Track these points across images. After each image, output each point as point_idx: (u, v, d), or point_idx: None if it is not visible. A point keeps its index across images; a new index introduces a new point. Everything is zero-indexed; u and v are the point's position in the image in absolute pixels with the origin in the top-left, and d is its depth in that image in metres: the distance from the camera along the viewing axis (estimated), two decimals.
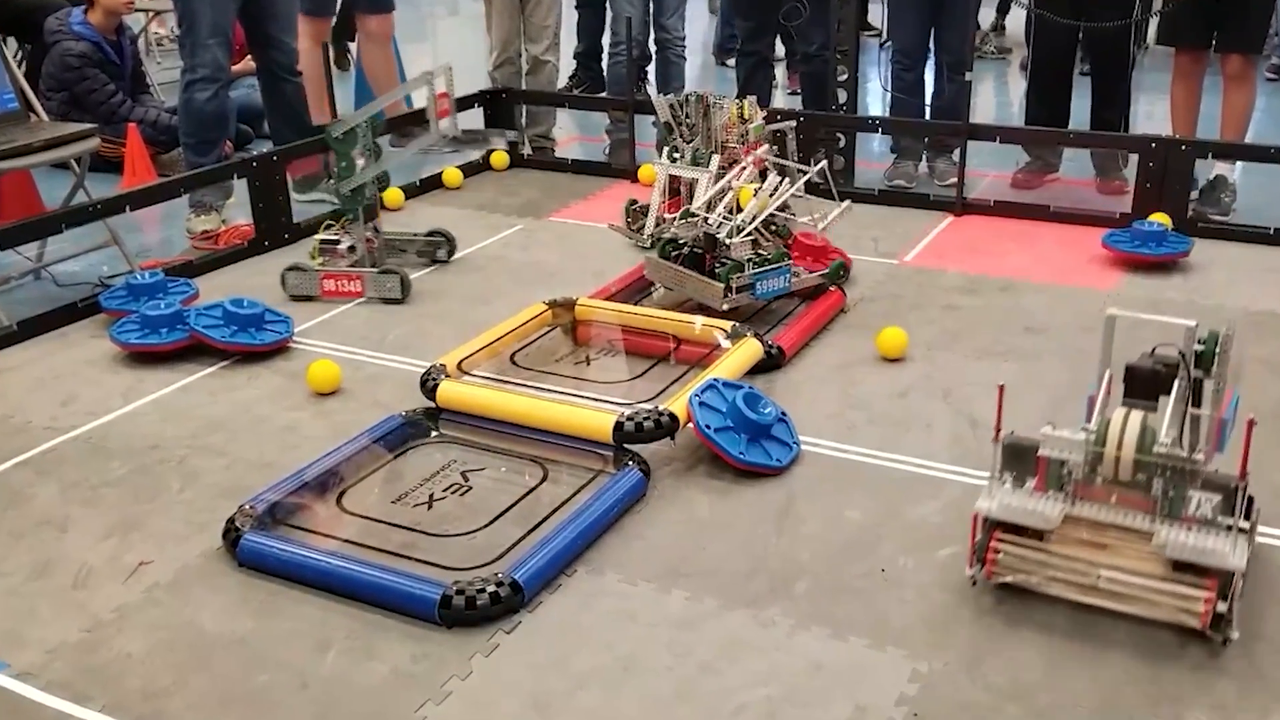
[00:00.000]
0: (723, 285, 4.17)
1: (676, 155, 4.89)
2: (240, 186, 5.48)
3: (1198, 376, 2.62)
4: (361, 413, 3.74)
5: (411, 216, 5.79)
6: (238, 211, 5.70)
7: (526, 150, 6.82)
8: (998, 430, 2.74)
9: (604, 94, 7.49)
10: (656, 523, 3.12)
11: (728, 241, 4.23)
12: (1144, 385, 2.62)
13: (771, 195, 4.41)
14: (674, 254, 4.40)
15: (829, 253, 4.76)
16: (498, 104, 6.71)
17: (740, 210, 4.35)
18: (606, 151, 6.94)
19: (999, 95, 8.99)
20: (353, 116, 4.72)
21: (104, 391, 3.97)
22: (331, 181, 5.86)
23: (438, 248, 5.11)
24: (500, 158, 6.63)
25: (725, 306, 4.17)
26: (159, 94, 7.55)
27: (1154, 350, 2.65)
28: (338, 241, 4.82)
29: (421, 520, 3.12)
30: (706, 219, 4.32)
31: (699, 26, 12.01)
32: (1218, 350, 2.62)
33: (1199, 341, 2.61)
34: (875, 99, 7.92)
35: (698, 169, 4.67)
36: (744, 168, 4.57)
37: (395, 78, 7.08)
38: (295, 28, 5.98)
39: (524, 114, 6.88)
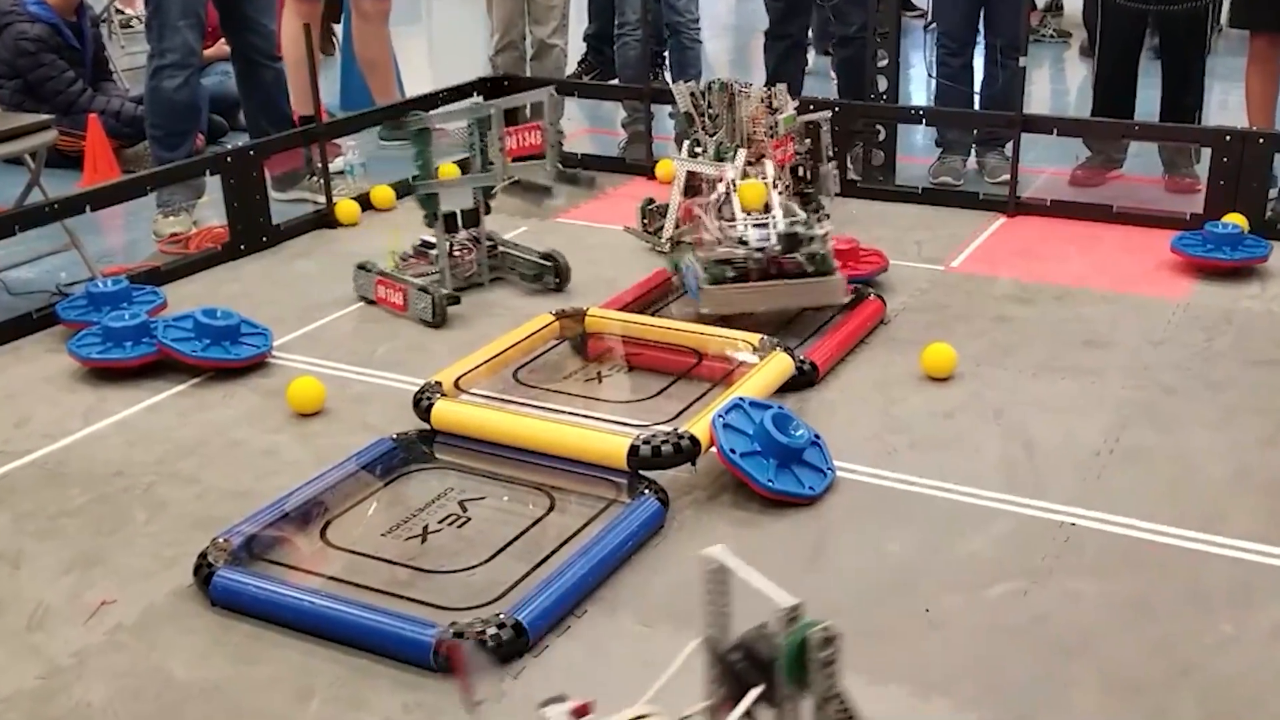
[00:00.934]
0: (836, 278, 4.24)
1: (698, 150, 4.90)
2: (213, 184, 5.51)
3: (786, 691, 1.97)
4: (348, 435, 3.75)
5: (407, 218, 5.80)
6: (210, 212, 5.73)
7: None
8: None
9: (616, 81, 7.50)
10: (676, 558, 3.13)
11: (815, 233, 4.27)
12: (729, 677, 2.05)
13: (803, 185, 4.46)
14: (732, 275, 4.26)
15: (861, 256, 4.76)
16: (499, 93, 6.73)
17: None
18: (622, 146, 6.97)
19: (1056, 82, 9.00)
20: (461, 111, 4.78)
21: (62, 412, 3.98)
22: (315, 179, 5.92)
23: (545, 273, 4.86)
24: None
25: (847, 298, 4.30)
26: (123, 81, 7.60)
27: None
28: (433, 246, 4.82)
29: (415, 555, 3.12)
30: (772, 220, 4.31)
31: (724, 5, 12.04)
32: (805, 660, 1.94)
33: (784, 639, 1.95)
34: (919, 87, 7.94)
35: (722, 165, 4.67)
36: (776, 165, 4.59)
37: (390, 64, 7.11)
38: (274, 9, 6.01)
39: (528, 104, 6.90)
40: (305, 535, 3.21)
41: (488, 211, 4.91)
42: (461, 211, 4.79)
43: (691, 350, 4.11)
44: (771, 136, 4.71)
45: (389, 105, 6.52)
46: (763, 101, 4.76)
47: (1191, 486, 3.39)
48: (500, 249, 4.95)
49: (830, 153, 4.84)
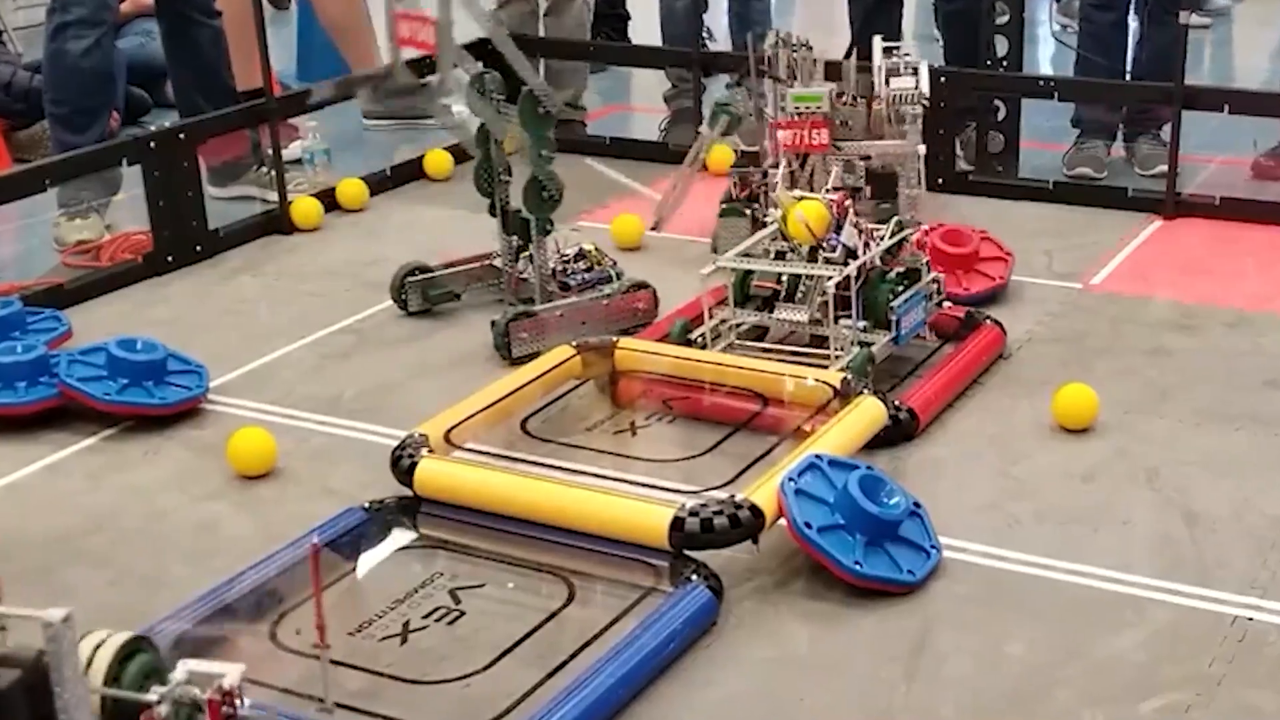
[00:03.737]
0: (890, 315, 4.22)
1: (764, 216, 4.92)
2: (132, 176, 5.55)
3: None
4: (306, 504, 3.77)
5: (385, 221, 5.84)
6: (127, 214, 5.76)
7: None
8: None
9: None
10: (734, 663, 3.13)
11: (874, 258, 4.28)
12: None
13: None
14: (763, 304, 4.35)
15: (980, 264, 4.76)
16: (504, 58, 6.76)
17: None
18: (663, 127, 7.00)
19: (1225, 46, 8.99)
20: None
21: None
22: (263, 170, 5.95)
23: (635, 306, 4.78)
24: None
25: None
26: (14, 44, 7.66)
27: None
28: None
29: (393, 660, 3.13)
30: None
31: None
32: None
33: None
34: (1048, 51, 7.95)
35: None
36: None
37: (362, 21, 7.14)
38: None
39: (542, 74, 6.93)
40: (251, 634, 3.22)
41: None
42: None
43: (753, 393, 4.12)
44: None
45: (365, 75, 6.57)
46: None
47: None
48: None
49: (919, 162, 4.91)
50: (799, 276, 4.29)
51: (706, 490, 3.58)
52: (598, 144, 6.67)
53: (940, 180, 5.78)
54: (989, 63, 6.07)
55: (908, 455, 3.95)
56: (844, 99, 5.00)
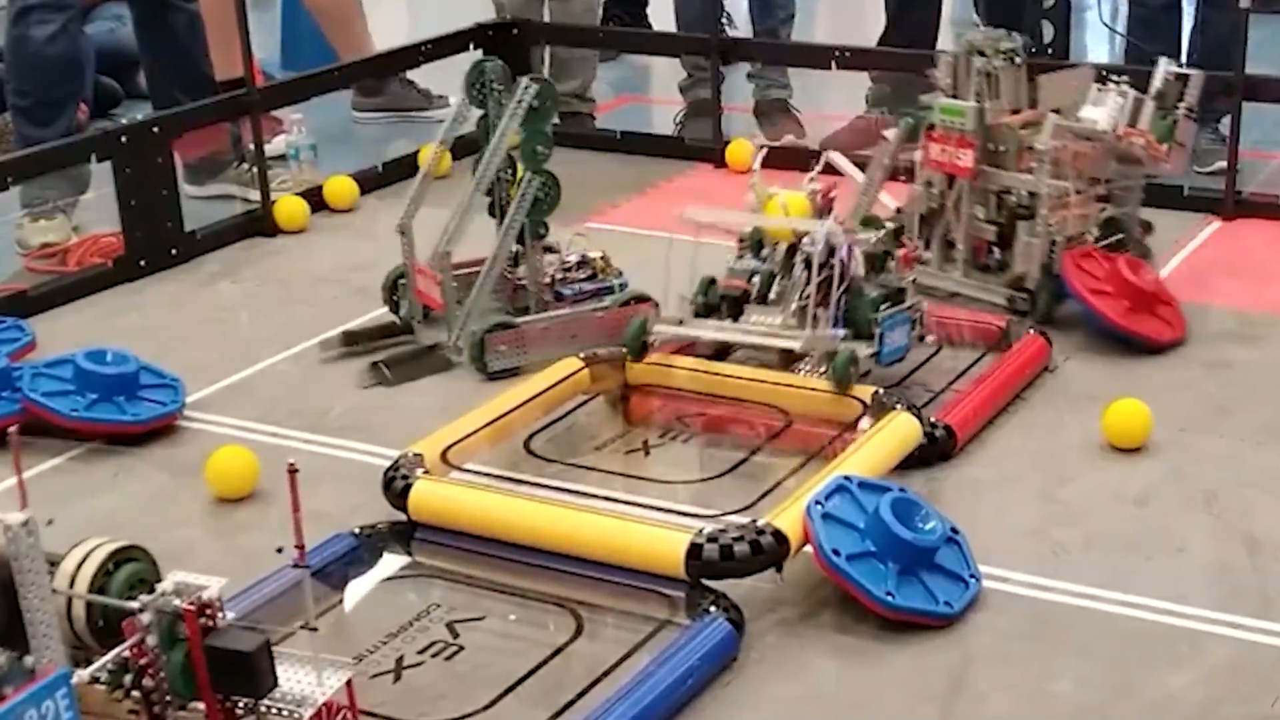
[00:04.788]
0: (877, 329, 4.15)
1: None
2: (101, 173, 5.56)
3: None
4: (290, 529, 3.77)
5: (376, 222, 5.84)
6: (96, 214, 5.77)
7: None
8: None
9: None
10: (756, 703, 3.14)
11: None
12: None
13: None
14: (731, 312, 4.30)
15: (1159, 305, 4.67)
16: (504, 45, 6.77)
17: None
18: (679, 121, 7.01)
19: None
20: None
21: None
22: (244, 167, 5.96)
23: None
24: None
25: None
26: None
27: None
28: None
29: (385, 699, 3.13)
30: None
31: None
32: None
33: None
34: (1097, 36, 7.95)
35: None
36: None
37: (353, 4, 7.15)
38: None
39: (547, 60, 6.94)
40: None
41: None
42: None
43: (777, 409, 4.14)
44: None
45: (356, 61, 6.58)
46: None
47: None
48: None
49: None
50: (771, 279, 4.26)
51: (726, 514, 3.59)
52: (608, 138, 6.68)
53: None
54: (1033, 51, 6.07)
55: (944, 476, 3.95)
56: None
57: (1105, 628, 3.34)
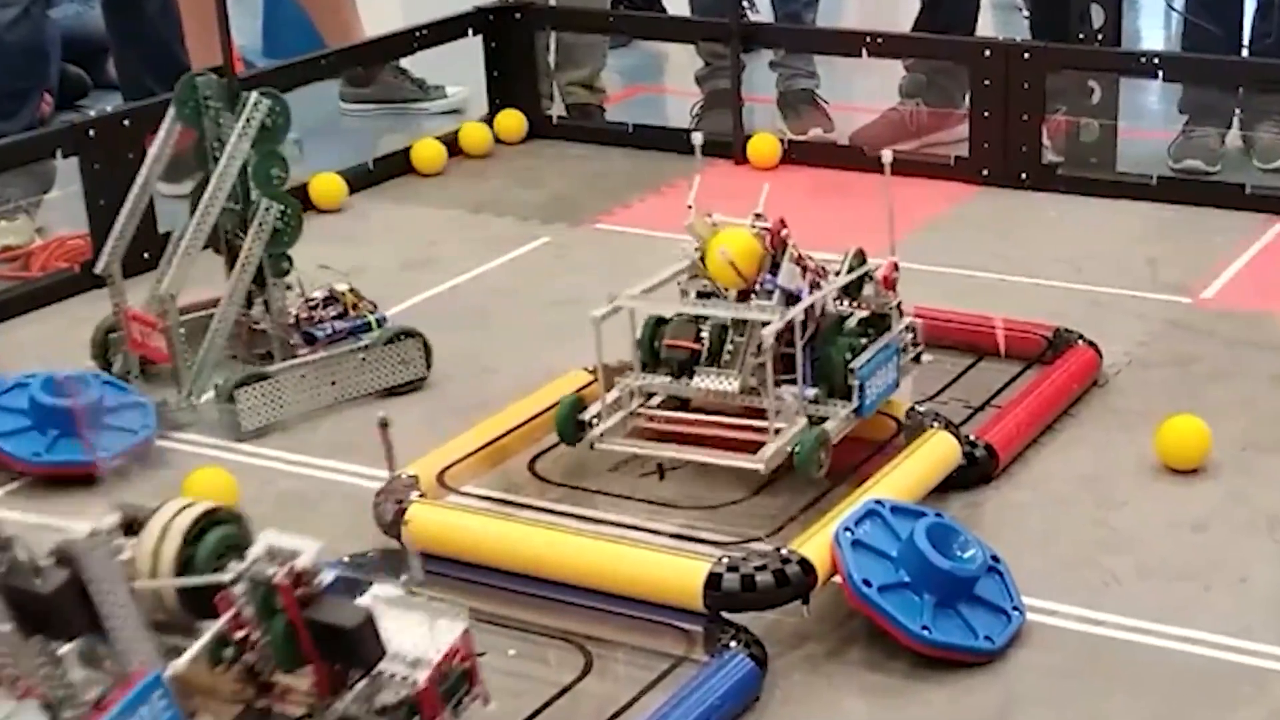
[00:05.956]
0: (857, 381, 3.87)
1: None
2: (67, 169, 5.60)
3: None
4: None
5: (365, 223, 5.85)
6: (62, 214, 5.79)
7: (556, 110, 6.90)
8: None
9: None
10: None
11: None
12: None
13: None
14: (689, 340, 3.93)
15: None
16: (506, 30, 6.78)
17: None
18: (695, 113, 7.03)
19: None
20: None
21: None
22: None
23: (400, 360, 4.67)
24: (511, 120, 6.69)
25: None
26: None
27: None
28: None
29: None
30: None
31: None
32: None
33: None
34: (1153, 20, 7.96)
35: None
36: None
37: None
38: None
39: (553, 49, 6.95)
40: None
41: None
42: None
43: None
44: None
45: (345, 48, 6.60)
46: None
47: None
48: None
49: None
50: (725, 332, 3.88)
51: (748, 542, 3.61)
52: (618, 132, 6.69)
53: (1024, 175, 5.81)
54: (1082, 36, 6.09)
55: (985, 500, 3.98)
56: None
57: (1160, 664, 3.36)
